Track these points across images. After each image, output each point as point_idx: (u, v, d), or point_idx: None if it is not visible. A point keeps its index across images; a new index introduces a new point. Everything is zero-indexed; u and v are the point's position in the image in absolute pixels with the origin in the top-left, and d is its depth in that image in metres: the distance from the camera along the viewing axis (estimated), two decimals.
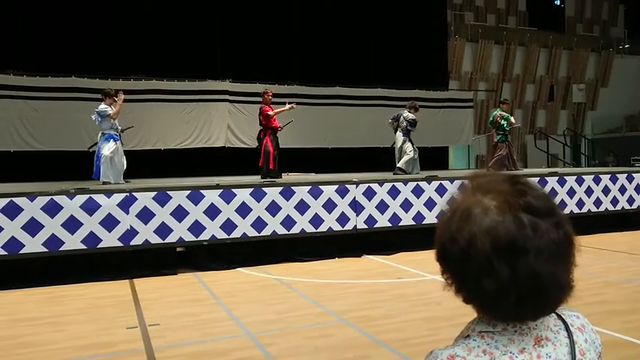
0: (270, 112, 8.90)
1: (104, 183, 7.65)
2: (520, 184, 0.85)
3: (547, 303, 0.83)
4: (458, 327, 0.95)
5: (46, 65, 11.04)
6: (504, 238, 0.80)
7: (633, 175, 9.71)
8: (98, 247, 6.39)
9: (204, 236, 6.86)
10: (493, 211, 0.82)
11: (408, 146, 9.85)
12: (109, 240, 6.42)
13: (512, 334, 0.84)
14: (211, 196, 6.92)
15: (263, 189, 7.20)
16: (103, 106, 7.93)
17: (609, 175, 9.49)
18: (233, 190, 7.05)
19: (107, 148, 7.84)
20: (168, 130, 12.07)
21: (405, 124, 9.85)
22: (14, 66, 10.91)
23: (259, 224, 7.11)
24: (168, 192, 6.74)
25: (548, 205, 0.84)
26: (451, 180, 8.24)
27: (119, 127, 8.15)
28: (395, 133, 10.02)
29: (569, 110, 19.36)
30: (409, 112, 9.90)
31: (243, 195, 7.07)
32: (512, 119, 10.78)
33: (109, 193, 6.51)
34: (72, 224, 6.26)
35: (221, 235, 6.93)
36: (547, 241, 0.80)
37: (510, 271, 0.79)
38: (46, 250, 6.16)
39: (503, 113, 10.63)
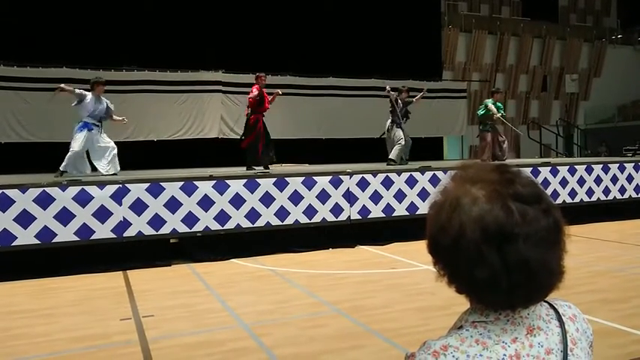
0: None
1: (61, 173, 7.44)
2: (508, 173, 0.86)
3: (538, 289, 0.84)
4: (451, 316, 0.95)
5: (37, 56, 10.92)
6: (493, 226, 0.80)
7: (625, 165, 9.77)
8: (91, 238, 6.37)
9: (198, 227, 6.85)
10: (482, 200, 0.82)
11: (397, 133, 9.70)
12: (102, 232, 6.40)
13: (504, 323, 0.85)
14: (205, 188, 6.90)
15: (257, 180, 7.19)
16: (108, 100, 7.97)
17: (601, 165, 9.54)
18: (226, 181, 7.04)
19: (77, 142, 7.65)
20: (161, 121, 11.99)
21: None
22: (4, 56, 10.78)
23: (253, 215, 7.11)
24: (161, 183, 6.72)
25: (535, 192, 0.85)
26: (444, 170, 8.25)
27: (101, 114, 7.90)
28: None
29: (562, 100, 19.41)
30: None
31: (236, 186, 7.05)
32: (491, 106, 10.36)
33: (101, 185, 6.48)
34: (64, 216, 6.23)
35: (215, 226, 6.92)
36: (536, 227, 0.81)
37: (500, 258, 0.80)
38: (39, 242, 6.14)
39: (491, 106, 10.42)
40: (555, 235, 0.84)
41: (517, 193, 0.82)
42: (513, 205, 0.81)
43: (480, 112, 10.70)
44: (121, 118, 8.23)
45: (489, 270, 0.80)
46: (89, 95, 7.83)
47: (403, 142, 9.67)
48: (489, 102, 10.50)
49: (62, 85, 7.90)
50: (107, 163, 7.84)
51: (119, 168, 8.03)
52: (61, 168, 7.59)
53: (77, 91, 7.83)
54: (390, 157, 9.66)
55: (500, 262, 0.80)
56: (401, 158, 9.74)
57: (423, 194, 8.04)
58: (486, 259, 0.80)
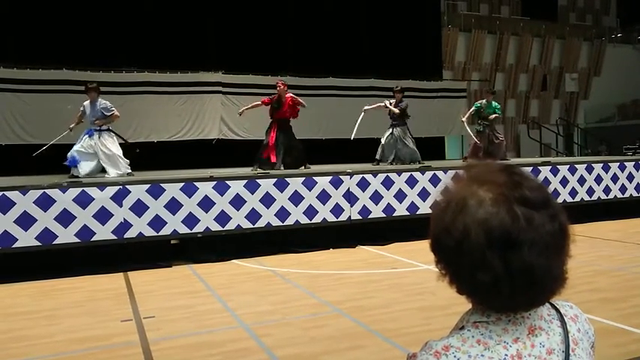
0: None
1: (71, 176, 7.63)
2: (516, 175, 0.85)
3: (540, 294, 0.84)
4: (452, 316, 0.95)
5: (37, 57, 10.92)
6: (498, 231, 0.79)
7: (625, 164, 9.76)
8: (92, 240, 6.37)
9: (199, 228, 6.85)
10: (488, 203, 0.81)
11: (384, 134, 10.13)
12: (103, 233, 6.40)
13: (506, 323, 0.85)
14: (205, 188, 6.90)
15: (257, 180, 7.20)
16: (107, 104, 8.08)
17: (601, 164, 9.54)
18: (227, 182, 7.04)
19: (79, 145, 7.89)
20: (161, 122, 11.99)
21: None
22: (4, 58, 10.77)
23: (253, 216, 7.11)
24: (161, 184, 6.72)
25: (543, 196, 0.84)
26: (445, 170, 8.26)
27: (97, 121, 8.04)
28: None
29: (562, 100, 19.40)
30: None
31: (237, 187, 7.06)
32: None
33: (102, 186, 6.48)
34: (65, 218, 6.23)
35: (215, 227, 6.92)
36: (541, 233, 0.80)
37: (504, 263, 0.79)
38: (40, 244, 6.14)
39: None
40: (560, 241, 0.83)
41: (524, 197, 0.81)
42: (519, 209, 0.80)
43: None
44: (104, 122, 8.13)
45: (492, 274, 0.79)
46: (86, 103, 8.05)
47: (383, 142, 10.05)
48: (477, 104, 10.90)
49: (71, 127, 8.21)
50: (112, 170, 7.94)
51: (128, 169, 8.16)
52: (73, 172, 7.85)
53: (80, 112, 8.11)
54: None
55: (504, 267, 0.79)
56: (392, 158, 9.95)
57: (424, 194, 8.04)
58: (489, 264, 0.79)
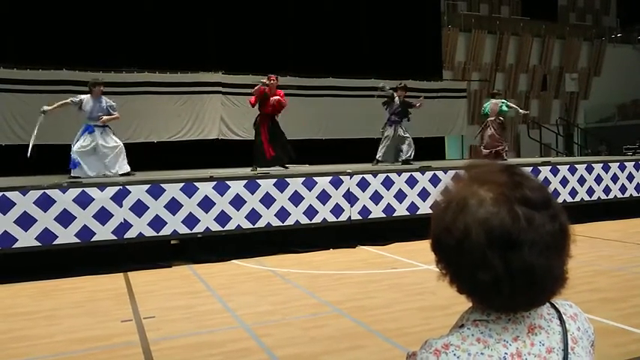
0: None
1: (71, 177, 7.61)
2: (517, 176, 0.85)
3: (540, 294, 0.84)
4: (452, 316, 0.95)
5: (37, 58, 10.92)
6: (498, 230, 0.79)
7: (625, 163, 9.77)
8: (92, 240, 6.37)
9: (199, 229, 6.85)
10: (488, 203, 0.81)
11: (385, 133, 10.08)
12: (103, 233, 6.40)
13: (505, 322, 0.85)
14: (205, 189, 6.90)
15: (257, 181, 7.20)
16: (112, 103, 8.12)
17: (601, 164, 9.54)
18: (227, 182, 7.04)
19: (76, 142, 7.90)
20: (161, 122, 11.99)
21: None
22: (4, 59, 10.78)
23: (253, 216, 7.11)
24: (161, 185, 6.72)
25: (544, 197, 0.84)
26: (445, 170, 8.26)
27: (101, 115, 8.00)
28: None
29: (562, 100, 19.40)
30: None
31: (237, 187, 7.06)
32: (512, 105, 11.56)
33: (102, 187, 6.48)
34: (65, 218, 6.23)
35: (215, 227, 6.93)
36: (542, 233, 0.80)
37: (504, 263, 0.79)
38: (40, 245, 6.14)
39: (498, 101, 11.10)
40: (561, 241, 0.83)
41: (525, 197, 0.81)
42: (520, 209, 0.80)
43: (504, 108, 11.13)
44: (110, 118, 8.12)
45: (492, 274, 0.79)
46: (86, 98, 8.00)
47: (387, 141, 9.94)
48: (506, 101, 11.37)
49: (45, 108, 8.07)
50: (115, 164, 7.94)
51: (129, 168, 8.18)
52: (73, 174, 7.80)
53: (71, 100, 8.01)
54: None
55: (504, 267, 0.79)
56: (393, 157, 9.93)
57: (424, 194, 8.04)
58: (490, 263, 0.79)
